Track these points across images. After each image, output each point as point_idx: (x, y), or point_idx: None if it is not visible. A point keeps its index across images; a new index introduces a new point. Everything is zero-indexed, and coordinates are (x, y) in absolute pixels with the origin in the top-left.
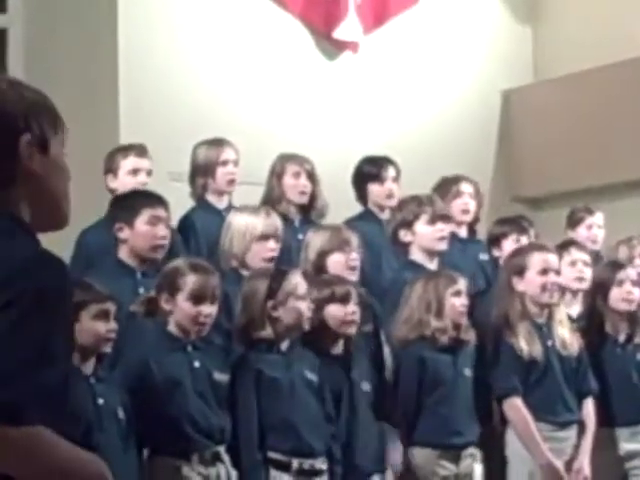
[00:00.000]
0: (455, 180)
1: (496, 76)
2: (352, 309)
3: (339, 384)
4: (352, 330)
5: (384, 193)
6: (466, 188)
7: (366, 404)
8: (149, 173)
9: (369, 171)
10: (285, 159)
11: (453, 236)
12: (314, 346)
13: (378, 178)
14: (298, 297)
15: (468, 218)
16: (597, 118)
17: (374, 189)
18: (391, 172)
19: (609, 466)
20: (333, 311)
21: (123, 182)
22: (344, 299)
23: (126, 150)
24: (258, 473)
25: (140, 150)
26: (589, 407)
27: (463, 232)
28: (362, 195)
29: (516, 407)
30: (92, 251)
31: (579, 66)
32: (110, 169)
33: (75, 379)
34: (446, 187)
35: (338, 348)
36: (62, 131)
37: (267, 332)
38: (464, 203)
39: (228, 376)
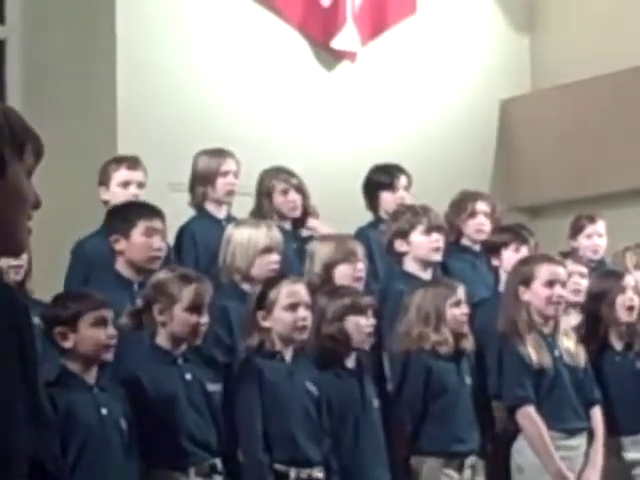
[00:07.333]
0: (473, 197)
1: (494, 85)
2: (371, 322)
3: (351, 397)
4: (366, 345)
5: (396, 201)
6: (483, 207)
7: (377, 419)
8: (141, 185)
9: (381, 179)
10: (271, 175)
11: (466, 250)
12: (330, 358)
13: (390, 187)
14: (286, 307)
15: (482, 237)
16: (595, 127)
17: (386, 197)
18: (403, 181)
19: (615, 473)
20: (354, 322)
21: (114, 194)
22: (364, 311)
23: (118, 162)
24: (263, 474)
25: (132, 162)
26: (597, 416)
27: (477, 246)
28: (373, 203)
29: (529, 416)
30: (89, 261)
31: (577, 75)
32: (102, 181)
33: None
34: (463, 204)
35: (351, 361)
36: (34, 158)
37: (252, 341)
38: (479, 223)
39: (220, 386)
